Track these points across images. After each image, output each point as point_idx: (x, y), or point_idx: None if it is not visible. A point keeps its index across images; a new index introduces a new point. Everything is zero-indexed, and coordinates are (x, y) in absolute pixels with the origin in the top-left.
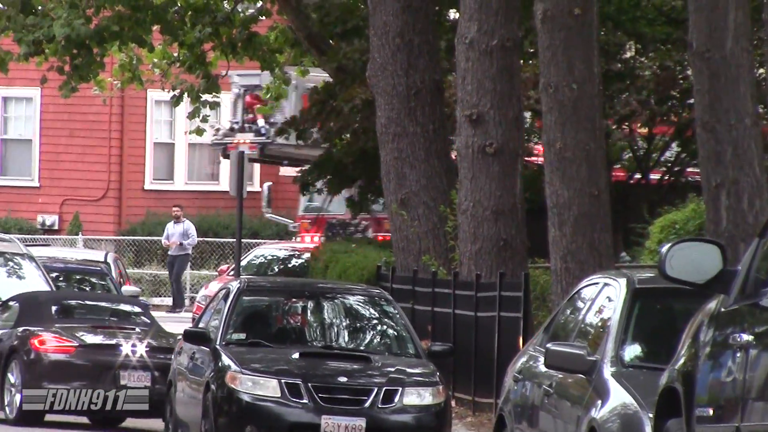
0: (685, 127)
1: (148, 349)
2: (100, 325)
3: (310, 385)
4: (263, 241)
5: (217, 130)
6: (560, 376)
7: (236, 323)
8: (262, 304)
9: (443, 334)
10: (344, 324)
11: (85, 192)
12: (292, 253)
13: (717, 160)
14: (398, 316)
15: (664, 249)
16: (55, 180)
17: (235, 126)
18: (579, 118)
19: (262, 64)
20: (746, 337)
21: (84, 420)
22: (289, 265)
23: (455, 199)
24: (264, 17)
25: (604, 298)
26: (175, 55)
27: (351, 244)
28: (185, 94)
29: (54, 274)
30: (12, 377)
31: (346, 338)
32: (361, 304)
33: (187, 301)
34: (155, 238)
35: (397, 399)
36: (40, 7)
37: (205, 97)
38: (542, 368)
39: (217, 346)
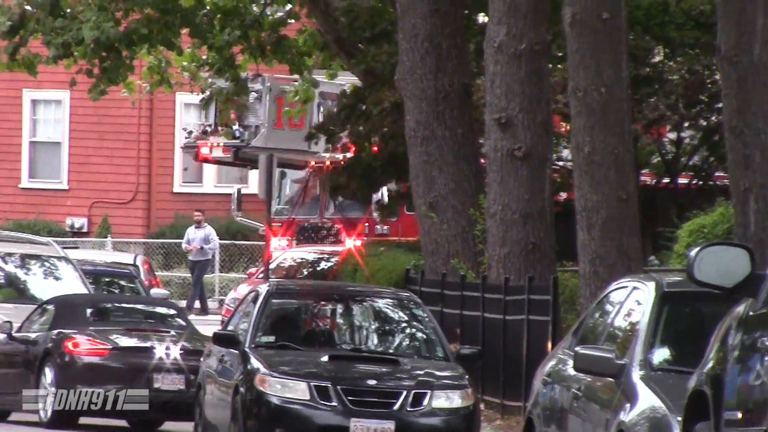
0: (713, 131)
1: (182, 351)
2: (134, 327)
3: (339, 388)
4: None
5: (189, 132)
6: (589, 379)
7: (265, 326)
8: (291, 307)
9: (472, 338)
10: (373, 327)
11: (114, 195)
12: (321, 256)
13: (745, 164)
14: (427, 319)
15: (693, 253)
16: (84, 183)
17: (208, 129)
18: (607, 122)
19: (291, 67)
20: None
21: (121, 423)
22: (318, 268)
23: (483, 202)
24: (293, 20)
25: (632, 301)
26: (204, 58)
27: (380, 247)
28: (214, 97)
29: None
30: (46, 380)
31: (375, 341)
32: (390, 307)
33: (214, 305)
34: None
35: (426, 402)
36: (68, 10)
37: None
38: (571, 371)
39: (246, 349)
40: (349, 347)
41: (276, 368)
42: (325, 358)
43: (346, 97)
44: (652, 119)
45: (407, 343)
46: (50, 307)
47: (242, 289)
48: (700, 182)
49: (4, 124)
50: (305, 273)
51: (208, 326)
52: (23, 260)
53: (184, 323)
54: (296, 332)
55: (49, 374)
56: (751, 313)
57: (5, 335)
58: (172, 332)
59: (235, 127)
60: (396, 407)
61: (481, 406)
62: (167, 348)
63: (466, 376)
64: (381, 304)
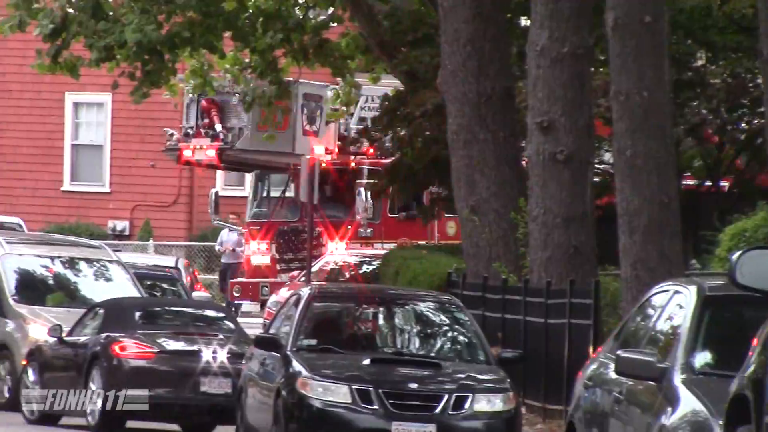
0: (755, 134)
1: (229, 355)
2: (182, 331)
3: (380, 391)
4: None
5: (171, 135)
6: (630, 383)
7: (307, 329)
8: (333, 310)
9: (513, 341)
10: (415, 330)
11: (156, 198)
12: (363, 259)
13: None
14: (469, 322)
15: (735, 257)
16: (126, 186)
17: (190, 131)
18: (649, 125)
19: (333, 70)
20: None
21: (173, 427)
22: (360, 272)
23: (525, 206)
24: (335, 24)
25: (674, 305)
26: (247, 60)
27: (422, 250)
28: (256, 100)
29: None
30: (93, 384)
31: (417, 344)
32: (431, 311)
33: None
34: None
35: (467, 405)
36: (111, 13)
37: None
38: (612, 375)
39: (288, 352)
40: (391, 350)
41: (318, 371)
42: (366, 362)
43: (388, 100)
44: (694, 123)
45: (449, 346)
46: (100, 310)
47: (284, 292)
48: (743, 186)
49: (47, 127)
50: (347, 276)
51: (250, 329)
52: (76, 264)
53: (232, 326)
54: (338, 335)
55: (96, 378)
56: None
57: (56, 339)
58: (220, 335)
59: (219, 129)
60: (437, 410)
61: (523, 409)
62: (214, 351)
63: (508, 380)
64: (423, 307)
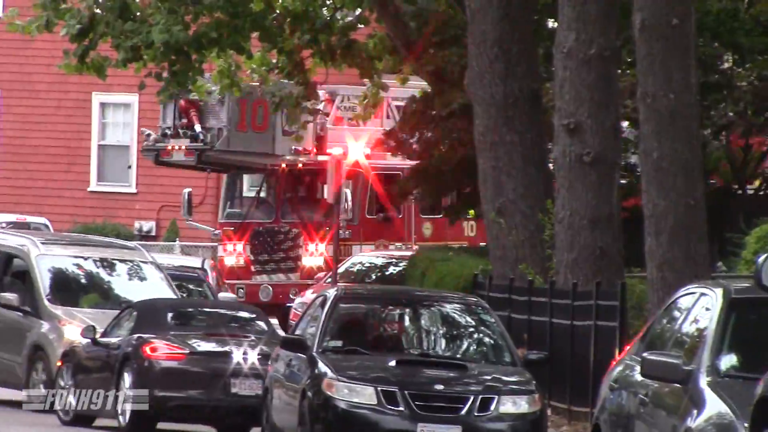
0: None
1: (260, 356)
2: (214, 332)
3: (406, 392)
4: None
5: (148, 135)
6: (656, 385)
7: (333, 330)
8: (359, 312)
9: (539, 343)
10: (441, 332)
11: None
12: (389, 260)
13: None
14: (495, 324)
15: (761, 259)
16: (153, 186)
17: (168, 131)
18: (676, 128)
19: (360, 71)
20: None
21: (204, 429)
22: (386, 273)
23: (551, 207)
24: (362, 25)
25: (700, 307)
26: (274, 61)
27: (449, 252)
28: (282, 102)
29: None
30: (125, 384)
31: (443, 346)
32: (457, 312)
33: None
34: None
35: (493, 407)
36: (138, 13)
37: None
38: (638, 377)
39: (314, 353)
40: (417, 352)
41: (343, 373)
42: (392, 363)
43: (415, 102)
44: (720, 125)
45: (475, 348)
46: (133, 311)
47: (309, 293)
48: None
49: (74, 127)
50: (373, 277)
51: None
52: (110, 265)
53: (265, 327)
54: (364, 337)
55: (127, 379)
56: None
57: (89, 340)
58: (252, 337)
59: (198, 129)
60: (463, 412)
61: (548, 411)
62: (245, 353)
63: (534, 382)
64: (449, 308)
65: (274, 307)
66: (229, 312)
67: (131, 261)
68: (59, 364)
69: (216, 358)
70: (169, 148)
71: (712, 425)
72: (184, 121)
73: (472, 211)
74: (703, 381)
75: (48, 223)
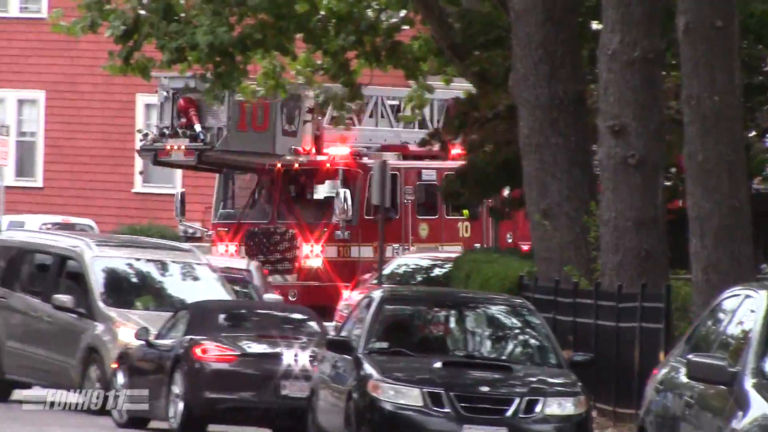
0: None
1: (311, 358)
2: (265, 334)
3: (452, 394)
4: None
5: (145, 135)
6: (701, 387)
7: (379, 332)
8: (405, 313)
9: (584, 345)
10: (486, 333)
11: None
12: (434, 262)
13: None
14: (540, 326)
15: None
16: (198, 188)
17: (166, 131)
18: (720, 130)
19: (405, 72)
20: None
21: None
22: (432, 275)
23: (596, 209)
24: (407, 26)
25: (745, 309)
26: (319, 62)
27: (494, 253)
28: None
29: None
30: (176, 387)
31: (488, 348)
32: (503, 314)
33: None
34: None
35: (538, 409)
36: (182, 15)
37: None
38: (683, 379)
39: (360, 355)
40: (462, 353)
41: (389, 374)
42: (438, 365)
43: (460, 103)
44: (765, 127)
45: (520, 349)
46: (186, 313)
47: (355, 295)
48: None
49: (118, 128)
50: (418, 279)
51: None
52: (164, 266)
53: (316, 329)
54: (409, 338)
55: (179, 381)
56: None
57: (143, 342)
58: (303, 338)
59: (198, 129)
60: (509, 414)
61: (594, 413)
62: (295, 355)
63: (579, 384)
64: (494, 310)
65: None
66: (280, 313)
67: (185, 262)
68: (114, 366)
69: (267, 360)
70: (168, 147)
71: (757, 427)
72: (183, 120)
73: (465, 212)
74: (748, 383)
75: (93, 224)
